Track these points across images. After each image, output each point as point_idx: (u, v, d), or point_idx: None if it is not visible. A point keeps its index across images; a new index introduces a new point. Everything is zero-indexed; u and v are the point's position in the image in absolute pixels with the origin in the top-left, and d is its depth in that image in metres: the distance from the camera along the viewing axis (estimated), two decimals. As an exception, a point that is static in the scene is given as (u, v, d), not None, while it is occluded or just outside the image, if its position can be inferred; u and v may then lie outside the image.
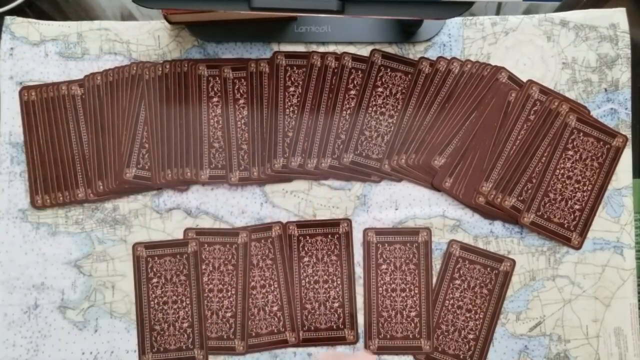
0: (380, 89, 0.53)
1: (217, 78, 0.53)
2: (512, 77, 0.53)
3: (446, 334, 0.51)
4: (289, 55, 0.53)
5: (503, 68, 0.53)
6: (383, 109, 0.53)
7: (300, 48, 0.54)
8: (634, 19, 0.54)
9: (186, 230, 0.52)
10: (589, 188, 0.52)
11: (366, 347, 0.51)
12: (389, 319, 0.51)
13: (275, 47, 0.54)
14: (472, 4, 0.44)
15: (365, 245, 0.52)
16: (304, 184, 0.53)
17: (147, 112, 0.53)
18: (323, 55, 0.53)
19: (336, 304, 0.52)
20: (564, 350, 0.51)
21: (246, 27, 0.53)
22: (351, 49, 0.54)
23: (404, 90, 0.53)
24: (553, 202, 0.52)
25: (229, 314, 0.51)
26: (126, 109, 0.53)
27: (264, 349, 0.51)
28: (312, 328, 0.51)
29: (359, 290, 0.52)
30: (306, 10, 0.43)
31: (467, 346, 0.51)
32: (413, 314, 0.51)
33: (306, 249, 0.52)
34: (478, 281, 0.52)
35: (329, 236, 0.52)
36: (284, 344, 0.51)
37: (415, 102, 0.53)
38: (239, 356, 0.51)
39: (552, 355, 0.51)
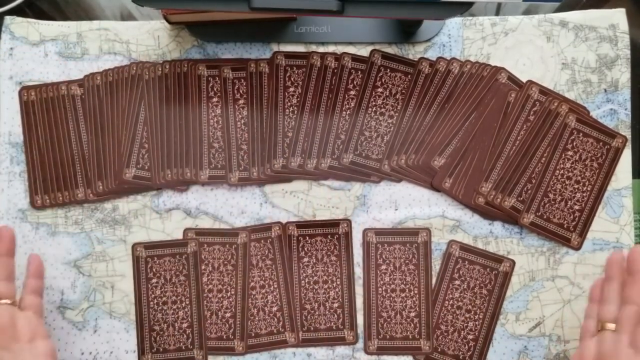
0: (380, 89, 0.53)
1: (217, 78, 0.53)
2: (511, 78, 0.53)
3: (446, 334, 0.51)
4: (289, 55, 0.53)
5: (503, 68, 0.53)
6: (383, 109, 0.53)
7: (300, 48, 0.54)
8: (634, 20, 0.54)
9: (186, 231, 0.52)
10: (589, 188, 0.52)
11: (365, 347, 0.51)
12: (389, 320, 0.51)
13: (275, 47, 0.54)
14: (472, 4, 0.44)
15: (364, 245, 0.52)
16: (304, 184, 0.53)
17: (146, 112, 0.53)
18: (323, 56, 0.53)
19: (336, 305, 0.52)
20: (563, 350, 0.51)
21: (246, 27, 0.53)
22: (351, 49, 0.54)
23: (403, 91, 0.53)
24: (553, 202, 0.52)
25: (228, 314, 0.51)
26: (126, 109, 0.53)
27: (263, 349, 0.51)
28: (312, 328, 0.51)
29: (359, 290, 0.52)
30: (306, 10, 0.43)
31: (466, 346, 0.51)
32: (412, 314, 0.51)
33: (306, 249, 0.52)
34: (477, 281, 0.52)
35: (329, 236, 0.52)
36: (283, 344, 0.51)
37: (415, 102, 0.53)
38: (239, 356, 0.51)
39: (551, 355, 0.51)
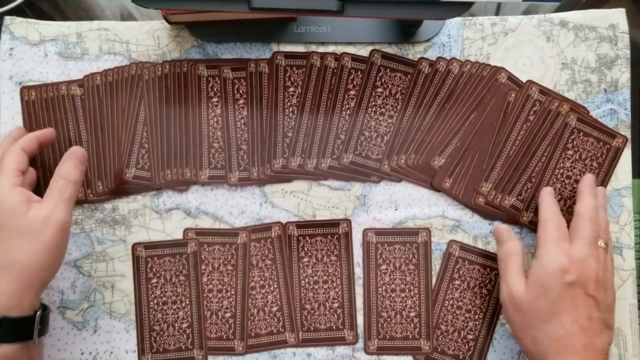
0: (379, 89, 0.53)
1: (217, 78, 0.53)
2: (511, 78, 0.53)
3: (446, 334, 0.51)
4: (289, 55, 0.53)
5: (503, 68, 0.53)
6: (383, 109, 0.53)
7: (299, 48, 0.54)
8: (634, 20, 0.54)
9: (186, 231, 0.52)
10: None
11: (365, 347, 0.51)
12: (389, 319, 0.51)
13: (275, 48, 0.54)
14: (471, 4, 0.44)
15: (364, 245, 0.52)
16: (304, 184, 0.53)
17: (146, 112, 0.53)
18: (322, 56, 0.53)
19: (336, 305, 0.52)
20: (563, 350, 0.51)
21: (246, 27, 0.53)
22: (351, 49, 0.54)
23: (403, 91, 0.53)
24: None
25: (228, 314, 0.51)
26: (126, 109, 0.53)
27: (263, 349, 0.51)
28: (312, 328, 0.51)
29: (359, 290, 0.52)
30: (306, 10, 0.43)
31: (466, 346, 0.51)
32: (412, 314, 0.51)
33: (306, 249, 0.52)
34: (478, 281, 0.52)
35: (329, 236, 0.52)
36: (283, 344, 0.51)
37: (414, 102, 0.53)
38: (239, 356, 0.51)
39: (551, 355, 0.51)
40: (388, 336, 0.51)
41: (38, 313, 0.42)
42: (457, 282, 0.52)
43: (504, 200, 0.52)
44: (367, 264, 0.52)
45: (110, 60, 0.54)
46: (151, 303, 0.51)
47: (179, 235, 0.52)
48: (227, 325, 0.51)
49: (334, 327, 0.51)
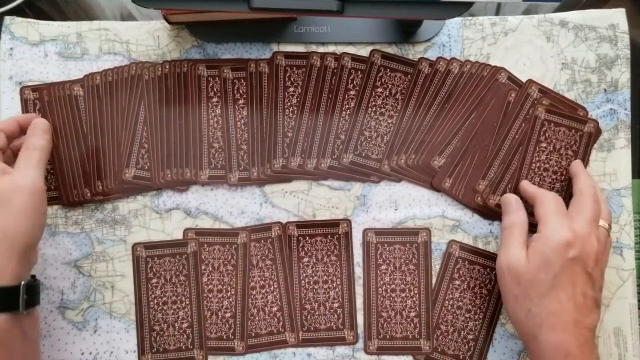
0: (379, 89, 0.53)
1: (217, 78, 0.53)
2: (511, 78, 0.53)
3: (446, 334, 0.51)
4: (289, 55, 0.53)
5: (503, 68, 0.53)
6: (383, 109, 0.53)
7: (299, 48, 0.54)
8: (634, 20, 0.54)
9: (186, 231, 0.52)
10: (568, 177, 0.51)
11: (365, 347, 0.51)
12: (389, 319, 0.51)
13: (275, 48, 0.54)
14: (471, 4, 0.44)
15: (364, 245, 0.52)
16: (304, 184, 0.53)
17: (146, 113, 0.53)
18: (322, 56, 0.53)
19: (336, 304, 0.52)
20: (563, 350, 0.51)
21: (246, 27, 0.53)
22: (351, 49, 0.54)
23: (403, 91, 0.53)
24: None
25: (228, 314, 0.51)
26: (125, 109, 0.53)
27: (263, 349, 0.51)
28: (312, 328, 0.51)
29: (359, 290, 0.52)
30: (306, 10, 0.43)
31: (466, 346, 0.51)
32: (413, 314, 0.51)
33: (306, 249, 0.52)
34: (478, 281, 0.52)
35: (329, 236, 0.52)
36: (283, 344, 0.51)
37: (414, 102, 0.53)
38: (239, 356, 0.51)
39: (551, 355, 0.51)
40: (388, 336, 0.51)
41: (22, 282, 0.41)
42: (457, 282, 0.52)
43: (488, 199, 0.51)
44: (367, 264, 0.52)
45: (110, 60, 0.54)
46: (151, 303, 0.51)
47: (179, 235, 0.52)
48: (227, 325, 0.51)
49: (334, 327, 0.51)
